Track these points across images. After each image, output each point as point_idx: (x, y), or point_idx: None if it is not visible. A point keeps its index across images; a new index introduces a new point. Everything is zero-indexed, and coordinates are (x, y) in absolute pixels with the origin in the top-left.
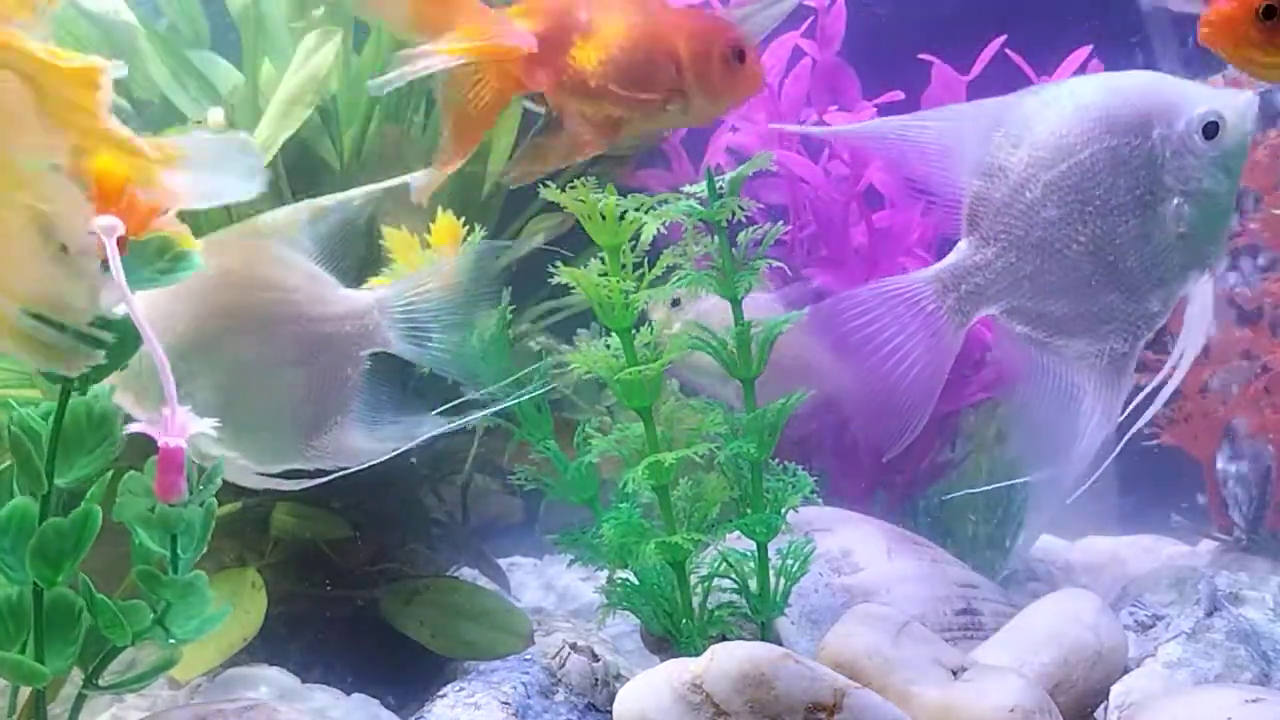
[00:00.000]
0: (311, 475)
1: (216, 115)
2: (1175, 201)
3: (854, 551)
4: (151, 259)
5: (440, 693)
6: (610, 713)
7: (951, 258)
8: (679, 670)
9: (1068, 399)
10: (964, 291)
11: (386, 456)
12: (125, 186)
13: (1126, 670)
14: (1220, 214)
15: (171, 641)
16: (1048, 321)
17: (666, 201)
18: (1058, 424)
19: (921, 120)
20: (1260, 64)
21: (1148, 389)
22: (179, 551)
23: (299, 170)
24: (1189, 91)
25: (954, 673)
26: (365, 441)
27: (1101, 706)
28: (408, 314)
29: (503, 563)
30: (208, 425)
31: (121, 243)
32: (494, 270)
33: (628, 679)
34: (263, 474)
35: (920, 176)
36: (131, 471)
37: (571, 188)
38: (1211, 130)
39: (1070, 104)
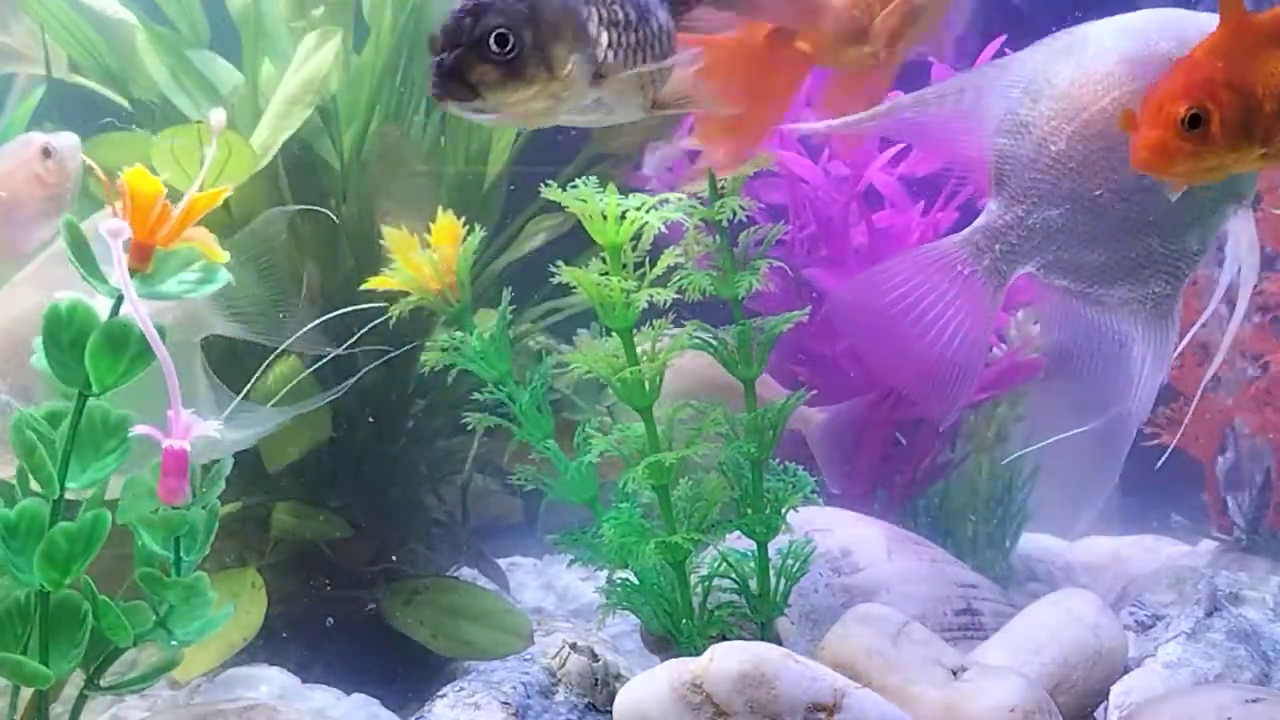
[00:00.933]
0: None
1: (219, 116)
2: None
3: (854, 551)
4: (178, 270)
5: (440, 693)
6: (610, 713)
7: (982, 219)
8: (679, 670)
9: (1118, 347)
10: (999, 251)
11: (247, 443)
12: (157, 198)
13: (1126, 670)
14: None
15: (174, 643)
16: (1087, 272)
17: (667, 201)
18: (1111, 374)
19: (937, 91)
20: (1200, 172)
21: (1198, 324)
22: (182, 554)
23: (299, 170)
24: (1205, 26)
25: (954, 673)
26: (223, 431)
27: (1101, 706)
28: (224, 294)
29: (503, 563)
30: (213, 428)
31: (149, 254)
32: (279, 240)
33: (628, 679)
34: None
35: (943, 145)
36: (134, 474)
37: (572, 187)
38: None
39: (1087, 51)
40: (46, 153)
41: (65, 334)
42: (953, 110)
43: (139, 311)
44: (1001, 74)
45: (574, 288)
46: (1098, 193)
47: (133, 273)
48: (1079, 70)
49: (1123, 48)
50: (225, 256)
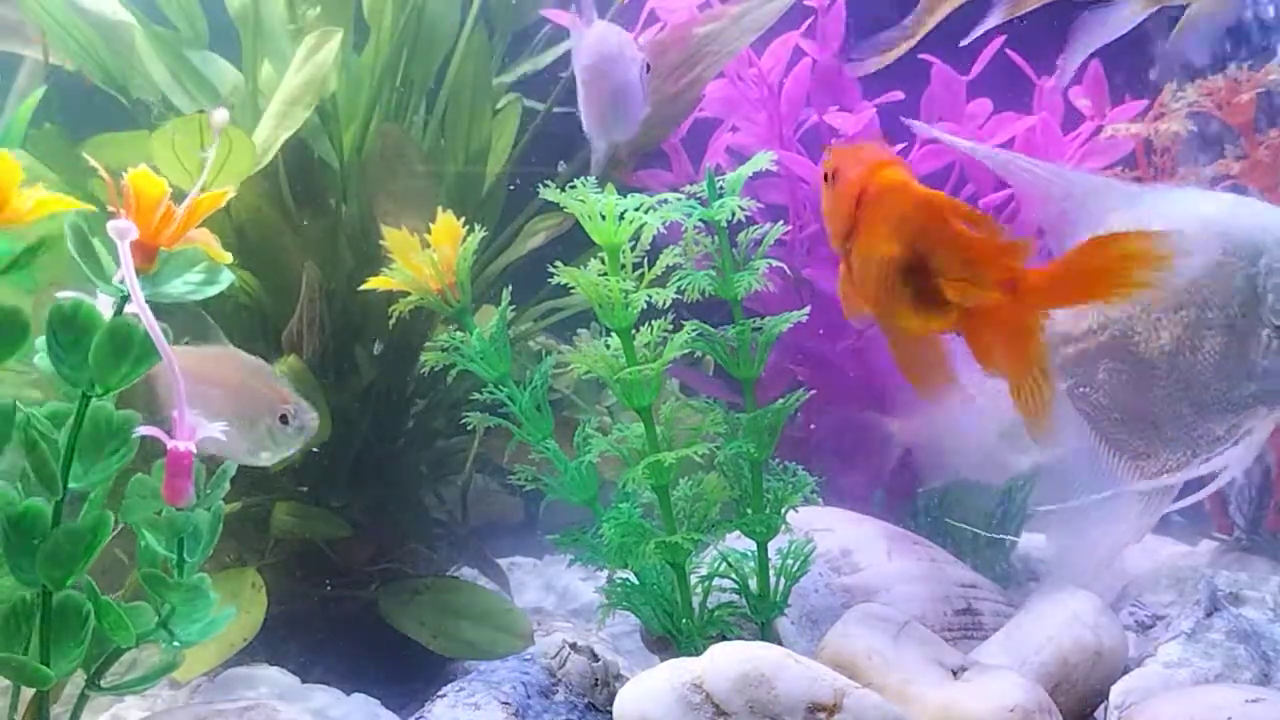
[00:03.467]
0: None
1: (221, 115)
2: (1265, 333)
3: (854, 551)
4: (182, 271)
5: (440, 693)
6: (610, 713)
7: None
8: (679, 670)
9: (1109, 493)
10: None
11: None
12: (162, 199)
13: (1126, 670)
14: None
15: (175, 645)
16: (1115, 409)
17: (667, 201)
18: (1088, 519)
19: (1055, 173)
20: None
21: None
22: (185, 555)
23: (299, 170)
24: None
25: (954, 673)
26: None
27: (1101, 706)
28: None
29: (503, 563)
30: (217, 430)
31: (153, 255)
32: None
33: (628, 679)
34: None
35: (1037, 220)
36: (138, 475)
37: (571, 187)
38: None
39: (1193, 210)
40: None
41: (68, 334)
42: (1058, 199)
43: (145, 312)
44: (1116, 194)
45: (574, 288)
46: (1150, 342)
47: (137, 273)
48: (1178, 223)
49: (1224, 221)
50: (228, 257)
